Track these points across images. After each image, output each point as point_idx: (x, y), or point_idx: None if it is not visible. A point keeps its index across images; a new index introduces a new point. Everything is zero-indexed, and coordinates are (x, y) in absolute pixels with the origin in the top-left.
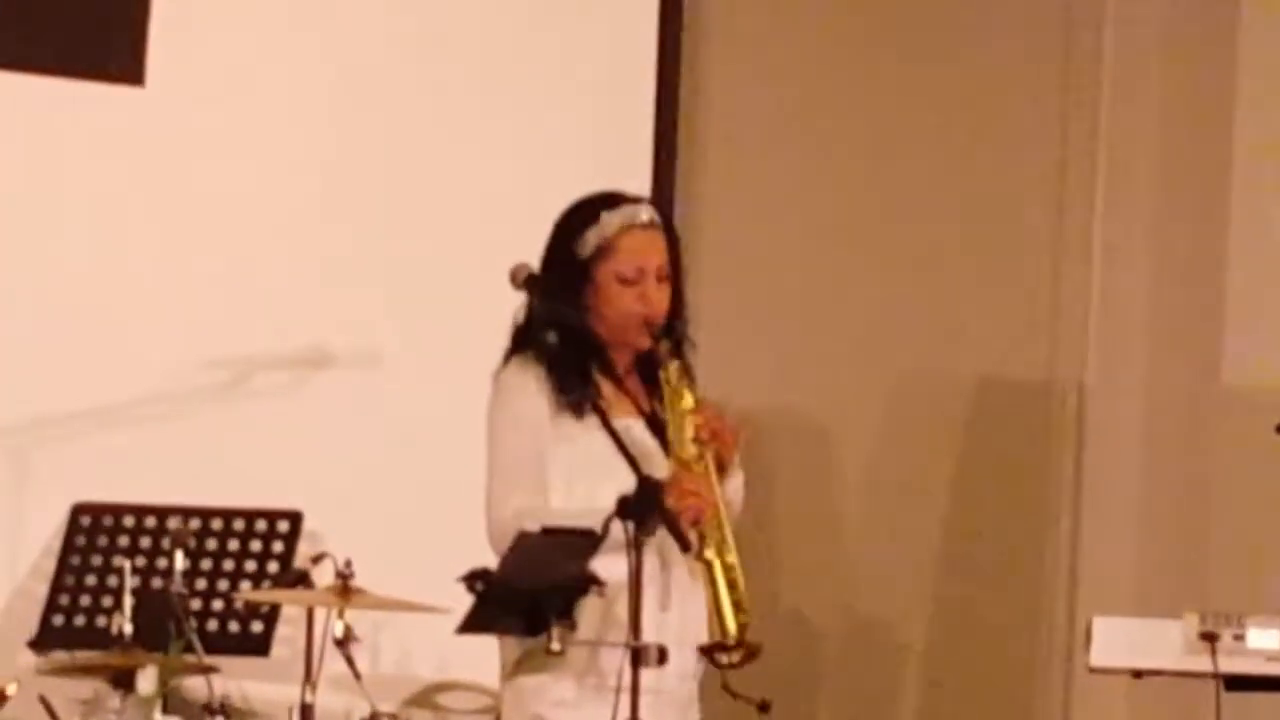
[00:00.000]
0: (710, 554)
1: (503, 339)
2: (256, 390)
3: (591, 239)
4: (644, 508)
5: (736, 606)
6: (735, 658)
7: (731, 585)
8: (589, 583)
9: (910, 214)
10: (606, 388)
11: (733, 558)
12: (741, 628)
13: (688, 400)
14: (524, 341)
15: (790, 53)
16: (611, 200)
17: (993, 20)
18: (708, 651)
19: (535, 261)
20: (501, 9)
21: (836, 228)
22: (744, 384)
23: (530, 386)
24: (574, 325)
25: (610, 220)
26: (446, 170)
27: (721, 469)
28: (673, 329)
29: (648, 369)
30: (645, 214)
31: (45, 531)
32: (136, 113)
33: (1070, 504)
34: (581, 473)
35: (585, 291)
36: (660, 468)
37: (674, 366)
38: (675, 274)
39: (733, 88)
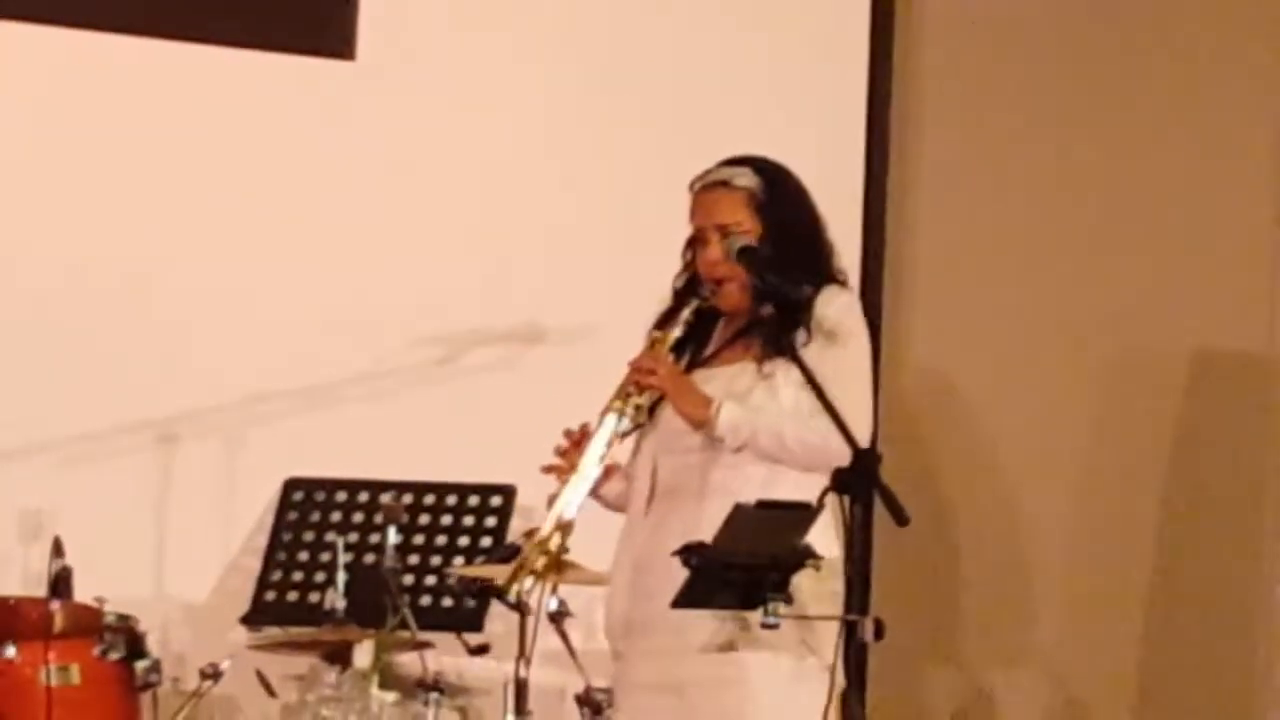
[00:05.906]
0: None
1: None
2: (470, 366)
3: None
4: (860, 480)
5: None
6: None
7: None
8: (805, 556)
9: (1128, 187)
10: None
11: None
12: None
13: None
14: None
15: (1000, 43)
16: None
17: None
18: None
19: None
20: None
21: (1052, 201)
22: (962, 364)
23: None
24: None
25: None
26: (660, 144)
27: None
28: None
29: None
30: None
31: (258, 507)
32: (349, 86)
33: None
34: None
35: None
36: None
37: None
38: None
39: (948, 73)
